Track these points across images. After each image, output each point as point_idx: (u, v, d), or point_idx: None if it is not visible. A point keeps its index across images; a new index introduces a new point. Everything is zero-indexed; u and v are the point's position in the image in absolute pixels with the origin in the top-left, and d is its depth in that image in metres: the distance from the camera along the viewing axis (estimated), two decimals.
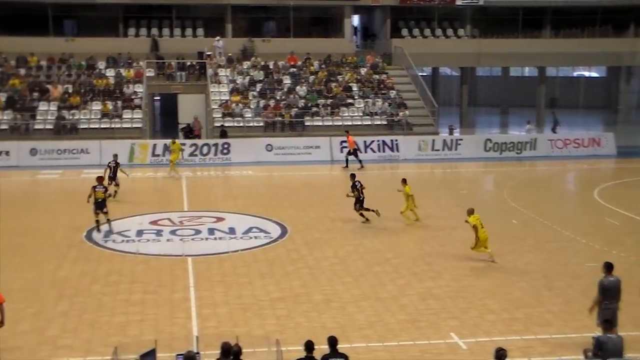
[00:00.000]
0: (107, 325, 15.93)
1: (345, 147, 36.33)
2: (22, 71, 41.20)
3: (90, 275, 19.23)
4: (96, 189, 23.05)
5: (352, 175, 25.21)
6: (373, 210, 24.41)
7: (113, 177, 28.07)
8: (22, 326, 15.86)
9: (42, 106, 38.86)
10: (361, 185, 24.58)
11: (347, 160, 35.43)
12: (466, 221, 20.45)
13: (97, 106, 39.15)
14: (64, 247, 21.77)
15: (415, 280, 18.87)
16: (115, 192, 27.76)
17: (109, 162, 28.81)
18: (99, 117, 38.67)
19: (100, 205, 22.96)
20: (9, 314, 16.44)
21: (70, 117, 38.24)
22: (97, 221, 23.17)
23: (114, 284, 18.53)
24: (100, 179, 23.57)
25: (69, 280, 18.84)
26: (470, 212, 20.53)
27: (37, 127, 37.85)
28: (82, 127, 37.95)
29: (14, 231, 23.46)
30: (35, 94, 39.48)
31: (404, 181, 24.31)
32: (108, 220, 23.38)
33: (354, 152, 35.58)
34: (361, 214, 24.52)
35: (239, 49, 45.13)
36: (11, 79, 40.19)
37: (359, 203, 24.51)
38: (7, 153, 34.43)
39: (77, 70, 41.65)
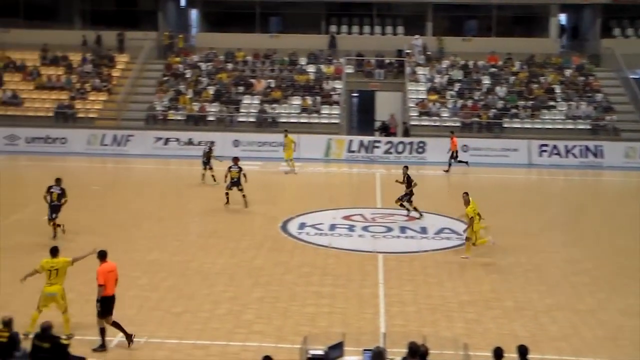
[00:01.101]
0: (298, 315, 16.32)
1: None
2: (230, 66, 43.26)
3: (284, 266, 19.80)
4: (231, 169, 25.34)
5: (406, 167, 25.36)
6: (414, 209, 24.12)
7: (207, 162, 29.38)
8: (220, 309, 16.63)
9: (246, 99, 40.60)
10: (410, 179, 24.39)
11: (450, 164, 34.29)
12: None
13: (296, 101, 40.33)
14: (260, 236, 22.59)
15: (616, 295, 17.78)
16: (213, 176, 29.05)
17: (204, 148, 30.07)
18: (298, 111, 39.81)
19: (235, 183, 25.13)
20: (209, 296, 17.36)
21: (271, 111, 39.66)
22: (227, 194, 25.41)
23: (306, 275, 18.97)
24: (235, 160, 25.72)
25: (264, 269, 19.51)
26: (467, 201, 19.97)
27: (240, 119, 39.60)
28: (282, 120, 39.25)
29: (214, 218, 24.69)
30: (240, 88, 41.32)
31: (466, 196, 20.87)
32: (243, 196, 25.28)
33: (455, 154, 34.39)
34: (402, 205, 24.35)
35: (438, 48, 44.76)
36: (219, 72, 42.32)
37: (408, 196, 24.26)
38: (212, 143, 36.20)
39: (280, 66, 43.13)
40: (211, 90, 41.02)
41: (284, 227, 23.38)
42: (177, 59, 43.21)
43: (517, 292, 17.87)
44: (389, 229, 23.58)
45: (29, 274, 15.40)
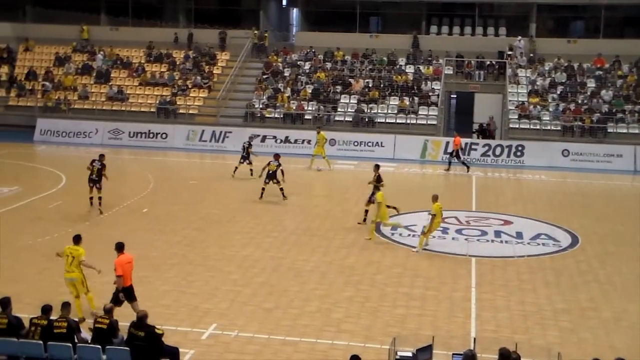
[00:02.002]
0: (388, 316, 16.24)
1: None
2: (328, 65, 43.45)
3: (376, 266, 19.73)
4: (270, 163, 26.42)
5: (377, 166, 24.79)
6: (393, 207, 23.51)
7: (246, 157, 29.77)
8: (310, 306, 16.72)
9: (344, 99, 40.68)
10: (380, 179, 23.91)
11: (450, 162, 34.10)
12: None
13: (394, 101, 40.14)
14: (353, 235, 22.57)
15: None
16: (251, 170, 29.44)
17: (244, 143, 30.35)
18: (395, 112, 39.62)
19: (271, 176, 26.19)
20: (300, 293, 17.47)
21: (369, 111, 39.62)
22: (263, 189, 26.27)
23: (396, 276, 18.85)
24: (276, 156, 26.64)
25: (355, 268, 19.50)
26: (435, 198, 20.78)
27: (337, 118, 39.72)
28: (379, 120, 39.16)
29: (308, 215, 24.84)
30: (338, 87, 41.43)
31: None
32: (281, 189, 26.25)
33: (457, 153, 33.78)
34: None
35: (540, 50, 43.64)
36: (318, 72, 42.57)
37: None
38: (308, 142, 36.49)
39: (379, 66, 43.02)
40: (309, 89, 41.31)
41: (377, 228, 23.28)
42: (277, 58, 43.71)
43: (615, 302, 17.25)
44: (484, 233, 23.16)
45: (57, 253, 16.04)
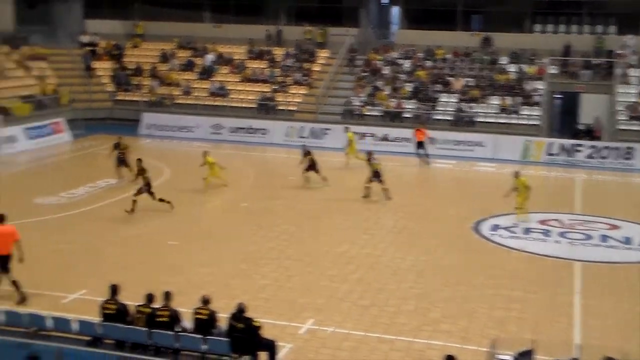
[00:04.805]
0: (486, 318, 15.94)
1: None
2: (428, 63, 42.99)
3: (474, 266, 19.41)
4: (371, 162, 26.04)
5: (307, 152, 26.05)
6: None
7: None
8: (407, 305, 16.59)
9: (443, 97, 40.16)
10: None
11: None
12: None
13: (495, 100, 39.33)
14: (452, 235, 22.28)
15: None
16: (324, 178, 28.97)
17: (304, 146, 29.53)
18: (496, 111, 38.83)
19: (376, 175, 25.81)
20: (397, 291, 17.36)
21: (469, 110, 38.99)
22: (368, 188, 26.02)
23: (496, 278, 18.48)
24: (370, 154, 26.44)
25: (453, 268, 19.23)
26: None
27: (436, 117, 39.25)
28: (479, 120, 38.47)
29: (405, 214, 24.67)
30: (438, 86, 40.94)
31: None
32: (384, 189, 25.83)
33: (420, 144, 33.27)
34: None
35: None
36: (418, 70, 42.19)
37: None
38: (407, 140, 36.18)
39: (480, 65, 42.29)
40: (409, 87, 41.00)
41: (475, 228, 22.90)
42: (377, 56, 43.59)
43: None
44: (589, 237, 22.41)
45: None
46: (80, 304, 15.89)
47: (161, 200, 23.60)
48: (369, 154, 27.05)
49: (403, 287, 17.76)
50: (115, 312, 13.62)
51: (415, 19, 47.02)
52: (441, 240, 21.66)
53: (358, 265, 19.33)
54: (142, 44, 46.94)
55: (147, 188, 23.66)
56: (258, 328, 13.31)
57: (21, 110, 36.97)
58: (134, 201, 23.30)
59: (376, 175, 26.18)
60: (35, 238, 20.70)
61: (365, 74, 42.37)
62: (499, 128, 37.38)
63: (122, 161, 27.61)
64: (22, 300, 16.15)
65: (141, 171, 24.17)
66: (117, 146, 27.93)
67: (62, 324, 13.81)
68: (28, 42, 42.80)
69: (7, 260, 16.27)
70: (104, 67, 44.57)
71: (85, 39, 45.64)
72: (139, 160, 24.68)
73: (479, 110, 38.83)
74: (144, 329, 13.23)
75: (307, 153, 28.25)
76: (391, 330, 15.22)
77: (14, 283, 16.28)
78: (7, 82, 38.83)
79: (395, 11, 49.58)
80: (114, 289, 13.93)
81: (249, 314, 13.37)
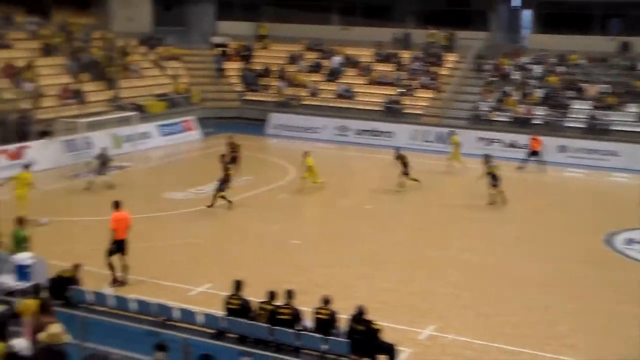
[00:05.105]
0: (617, 335, 15.26)
1: None
2: (561, 69, 41.63)
3: (605, 281, 18.63)
4: (491, 165, 25.87)
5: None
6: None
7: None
8: (532, 316, 16.09)
9: (576, 104, 38.77)
10: None
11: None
12: None
13: (633, 108, 37.64)
14: (580, 247, 21.45)
15: None
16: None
17: (397, 148, 28.74)
18: (634, 119, 37.15)
19: (494, 178, 25.47)
20: (520, 302, 16.88)
21: (604, 118, 37.47)
22: (492, 194, 25.52)
23: (630, 294, 17.54)
24: (487, 157, 26.31)
25: (581, 281, 18.56)
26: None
27: (568, 124, 37.94)
28: (614, 128, 36.89)
29: (530, 223, 23.96)
30: (570, 92, 39.57)
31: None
32: (500, 192, 25.44)
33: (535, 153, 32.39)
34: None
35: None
36: (549, 75, 40.94)
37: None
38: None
39: (617, 70, 40.56)
40: (539, 93, 39.84)
41: (607, 241, 21.93)
42: (506, 60, 42.62)
43: None
44: None
45: None
46: (206, 298, 16.30)
47: (222, 197, 23.90)
48: (486, 157, 26.49)
49: (527, 297, 17.24)
50: (238, 307, 13.88)
51: (548, 23, 45.64)
52: (569, 252, 20.87)
53: (481, 273, 18.92)
54: (271, 45, 47.80)
55: (223, 183, 24.03)
56: (378, 331, 13.23)
57: (155, 108, 38.43)
58: (222, 197, 23.81)
59: (494, 178, 25.71)
60: (164, 231, 21.48)
61: (494, 78, 41.52)
62: (637, 137, 35.67)
63: (234, 159, 28.11)
64: (122, 284, 16.89)
65: (229, 164, 24.54)
66: (229, 145, 28.44)
67: (188, 315, 14.22)
68: (163, 43, 44.47)
69: (124, 244, 17.17)
70: (233, 68, 45.71)
71: (216, 40, 47.01)
72: (226, 155, 25.18)
73: (615, 118, 37.23)
74: (266, 325, 13.41)
75: (399, 157, 28.00)
76: (514, 342, 14.78)
77: (124, 267, 17.08)
78: (143, 80, 40.47)
79: (527, 15, 48.32)
80: (238, 285, 14.20)
81: (369, 316, 13.31)
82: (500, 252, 20.81)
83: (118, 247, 17.09)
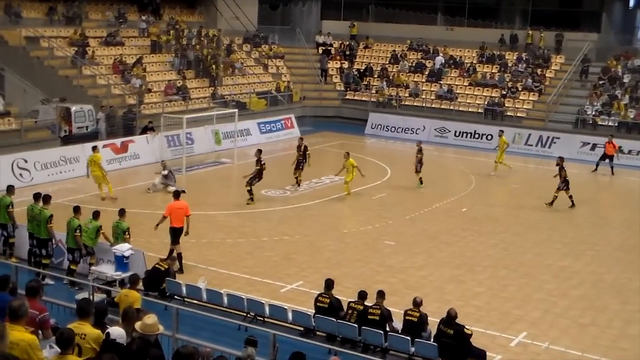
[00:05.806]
0: None
1: None
2: None
3: None
4: (564, 169, 25.24)
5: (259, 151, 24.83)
6: None
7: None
8: (632, 329, 15.53)
9: None
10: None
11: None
12: None
13: None
14: None
15: None
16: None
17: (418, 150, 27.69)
18: None
19: (565, 182, 25.18)
20: (621, 313, 16.31)
21: None
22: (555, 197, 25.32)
23: None
24: (561, 160, 25.75)
25: None
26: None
27: None
28: None
29: (636, 230, 23.06)
30: None
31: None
32: (570, 196, 25.12)
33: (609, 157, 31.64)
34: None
35: None
36: None
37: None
38: None
39: None
40: None
41: None
42: (616, 63, 41.13)
43: None
44: None
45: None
46: (296, 295, 16.45)
47: (249, 191, 23.98)
48: (561, 160, 25.72)
49: (628, 308, 16.63)
50: (328, 306, 13.96)
51: None
52: None
53: (580, 281, 18.37)
54: (374, 44, 47.77)
55: (253, 178, 24.08)
56: (469, 336, 13.05)
57: (257, 105, 39.03)
58: (249, 191, 23.98)
59: (565, 182, 25.10)
60: (261, 228, 21.80)
61: (603, 81, 40.15)
62: None
63: (302, 160, 27.41)
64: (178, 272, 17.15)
65: (259, 161, 24.47)
66: (300, 147, 27.81)
67: (278, 312, 14.40)
68: (267, 41, 45.13)
69: (178, 232, 17.54)
70: (334, 67, 45.93)
71: (320, 39, 47.36)
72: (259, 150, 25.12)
73: None
74: (354, 325, 13.44)
75: (420, 150, 27.64)
76: (612, 354, 14.29)
77: (179, 255, 17.41)
78: (246, 78, 41.19)
79: None
80: (329, 284, 14.28)
81: (459, 320, 13.15)
82: (603, 260, 20.15)
83: (173, 233, 17.52)
